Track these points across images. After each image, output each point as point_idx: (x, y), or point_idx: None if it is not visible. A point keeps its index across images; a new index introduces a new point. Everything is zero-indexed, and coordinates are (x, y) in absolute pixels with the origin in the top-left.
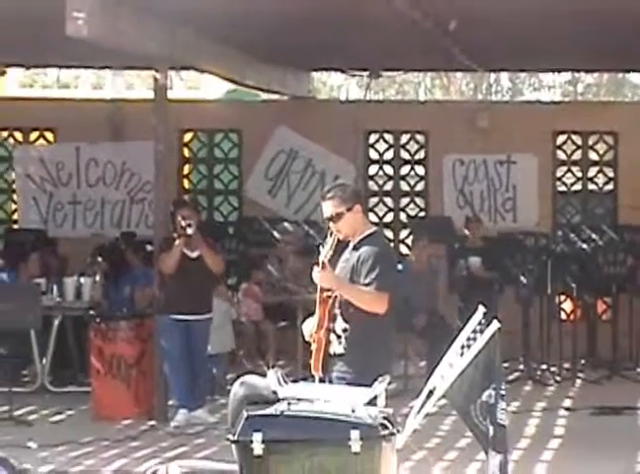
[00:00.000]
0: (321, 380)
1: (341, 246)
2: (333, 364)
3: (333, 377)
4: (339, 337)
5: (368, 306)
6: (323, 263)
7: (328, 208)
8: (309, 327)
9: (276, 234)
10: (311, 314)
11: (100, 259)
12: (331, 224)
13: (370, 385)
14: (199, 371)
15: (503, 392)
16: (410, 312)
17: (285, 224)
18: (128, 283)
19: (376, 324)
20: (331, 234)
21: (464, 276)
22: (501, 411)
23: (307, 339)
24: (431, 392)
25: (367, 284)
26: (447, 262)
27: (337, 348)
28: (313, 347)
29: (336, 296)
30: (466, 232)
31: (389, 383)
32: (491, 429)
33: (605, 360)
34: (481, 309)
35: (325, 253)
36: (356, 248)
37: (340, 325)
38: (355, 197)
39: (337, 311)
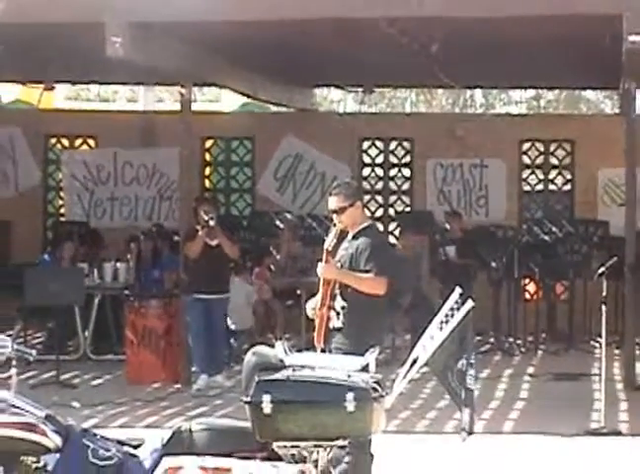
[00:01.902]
0: (322, 350)
1: (341, 236)
2: (332, 337)
3: (332, 348)
4: (338, 313)
5: (370, 289)
6: (327, 256)
7: (333, 203)
8: (312, 305)
9: (277, 222)
10: (313, 295)
11: (132, 246)
12: (335, 216)
13: (363, 355)
14: (217, 342)
15: (472, 361)
16: (397, 293)
17: (287, 215)
18: (158, 268)
19: (370, 302)
20: (334, 225)
21: (444, 263)
22: (470, 377)
23: (310, 316)
24: (414, 361)
25: (367, 271)
26: (429, 250)
27: (336, 322)
28: (316, 322)
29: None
30: (447, 225)
31: (379, 353)
32: (462, 392)
33: (563, 334)
34: (457, 290)
35: (329, 241)
36: (355, 237)
37: (339, 303)
38: (356, 195)
39: (337, 291)
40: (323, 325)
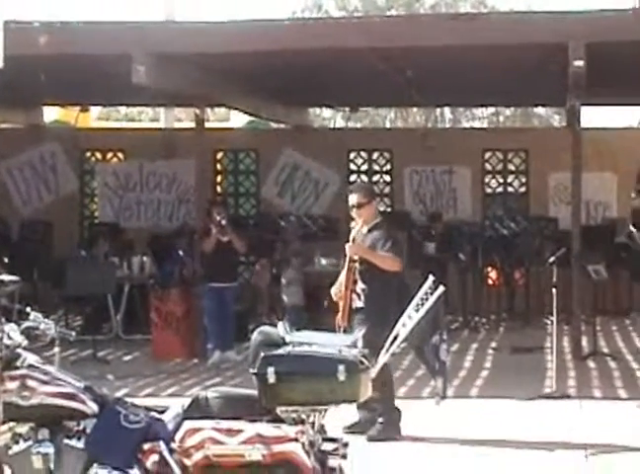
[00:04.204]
0: (344, 330)
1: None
2: (355, 314)
3: (355, 324)
4: (359, 295)
5: (389, 266)
6: (353, 238)
7: (354, 198)
8: (335, 291)
9: (282, 223)
10: (332, 283)
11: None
12: (354, 210)
13: (381, 328)
14: (228, 323)
15: (445, 337)
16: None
17: (291, 217)
18: (178, 260)
19: (383, 286)
20: (354, 220)
21: (423, 255)
22: (442, 350)
23: (335, 299)
24: (395, 337)
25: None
26: (407, 244)
27: (358, 303)
28: (340, 303)
29: (356, 267)
30: (430, 224)
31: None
32: (436, 363)
33: (521, 313)
34: (431, 278)
35: (355, 232)
36: (370, 231)
37: (360, 286)
38: (373, 195)
39: (357, 277)
40: (347, 306)
